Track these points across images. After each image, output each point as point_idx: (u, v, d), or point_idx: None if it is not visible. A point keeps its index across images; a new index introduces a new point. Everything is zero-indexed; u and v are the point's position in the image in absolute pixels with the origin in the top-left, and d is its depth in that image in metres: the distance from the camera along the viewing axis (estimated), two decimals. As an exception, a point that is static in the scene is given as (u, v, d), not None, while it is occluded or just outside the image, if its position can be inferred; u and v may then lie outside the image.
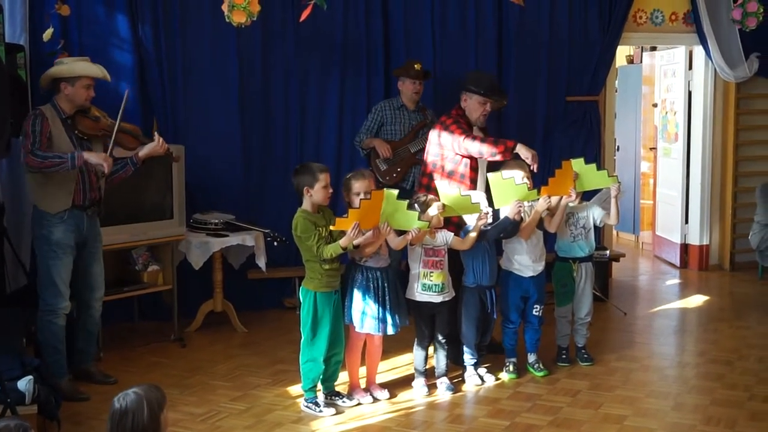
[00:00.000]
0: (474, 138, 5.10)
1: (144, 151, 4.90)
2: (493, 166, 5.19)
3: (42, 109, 4.68)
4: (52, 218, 4.68)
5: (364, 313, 4.57)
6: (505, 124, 6.99)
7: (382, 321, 4.58)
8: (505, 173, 4.94)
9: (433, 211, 4.65)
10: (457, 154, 5.15)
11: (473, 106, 5.29)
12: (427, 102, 6.51)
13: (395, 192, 4.44)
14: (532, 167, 5.03)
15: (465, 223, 4.92)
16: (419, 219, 4.51)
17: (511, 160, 5.06)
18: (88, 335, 5.01)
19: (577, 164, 5.11)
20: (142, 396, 2.65)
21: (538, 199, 4.99)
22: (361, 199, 4.39)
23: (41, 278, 4.75)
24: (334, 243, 4.38)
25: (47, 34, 5.51)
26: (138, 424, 2.62)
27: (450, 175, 5.18)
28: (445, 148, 5.20)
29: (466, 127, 5.20)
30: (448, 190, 4.73)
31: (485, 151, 5.04)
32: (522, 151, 5.02)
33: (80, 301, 4.94)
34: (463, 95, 5.32)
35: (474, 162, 5.21)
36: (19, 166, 5.59)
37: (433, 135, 5.31)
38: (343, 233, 4.34)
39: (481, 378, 4.98)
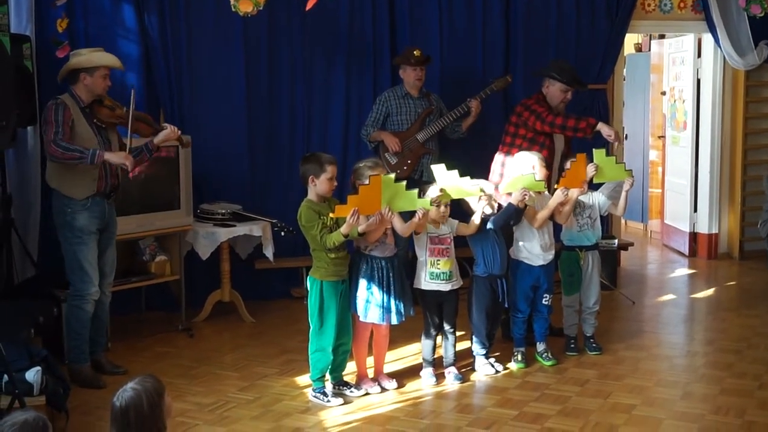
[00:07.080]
0: (557, 114, 5.42)
1: (159, 138, 4.91)
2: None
3: (62, 98, 4.69)
4: (75, 205, 4.70)
5: (368, 302, 4.55)
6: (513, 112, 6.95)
7: (387, 310, 4.56)
8: (519, 158, 5.08)
9: (433, 192, 4.62)
10: (540, 130, 5.39)
11: (555, 92, 5.54)
12: (434, 92, 6.48)
13: (392, 176, 4.43)
14: (616, 143, 5.50)
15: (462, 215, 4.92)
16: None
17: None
18: (99, 323, 5.00)
19: (599, 155, 5.11)
20: (140, 390, 2.66)
21: (546, 190, 4.98)
22: (359, 185, 4.37)
23: (69, 264, 4.77)
24: (337, 231, 4.37)
25: (62, 23, 5.58)
26: (141, 418, 2.63)
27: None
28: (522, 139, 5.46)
29: (548, 107, 5.48)
30: (445, 174, 4.70)
31: (569, 126, 5.34)
32: (604, 129, 5.35)
33: None
34: (545, 81, 5.58)
35: (550, 143, 5.46)
36: (25, 156, 5.60)
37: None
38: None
39: (493, 366, 4.97)
